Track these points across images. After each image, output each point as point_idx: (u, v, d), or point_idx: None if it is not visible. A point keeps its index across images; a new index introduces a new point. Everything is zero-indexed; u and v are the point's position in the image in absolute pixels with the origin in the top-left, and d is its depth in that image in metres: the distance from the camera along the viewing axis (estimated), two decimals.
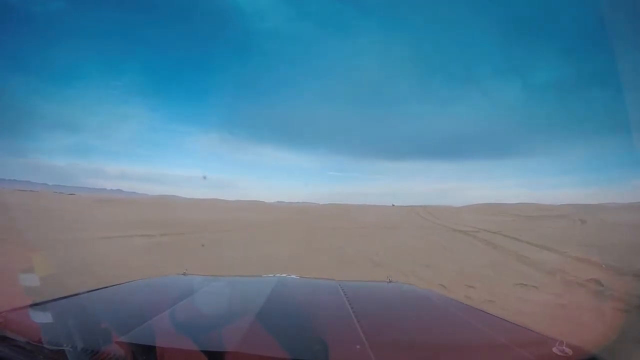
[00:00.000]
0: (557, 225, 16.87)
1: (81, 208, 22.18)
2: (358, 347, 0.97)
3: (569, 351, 0.94)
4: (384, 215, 27.91)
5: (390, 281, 2.17)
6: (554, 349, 0.95)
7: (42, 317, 0.99)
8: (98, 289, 1.58)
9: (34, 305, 1.12)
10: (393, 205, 51.09)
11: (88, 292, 1.52)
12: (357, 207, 42.04)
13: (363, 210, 35.42)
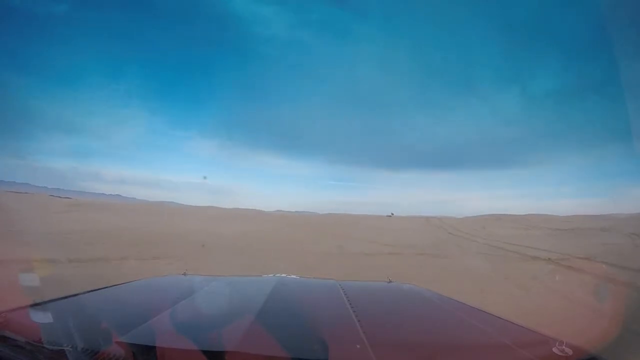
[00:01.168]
0: (621, 242, 13.89)
1: (35, 213, 18.49)
2: (358, 346, 0.97)
3: (569, 351, 0.94)
4: (403, 230, 22.26)
5: (390, 281, 2.16)
6: (554, 349, 0.95)
7: (42, 317, 0.99)
8: (98, 289, 1.58)
9: (34, 305, 1.12)
10: (392, 214, 45.44)
11: (88, 292, 1.52)
12: (360, 218, 36.33)
13: (369, 222, 29.72)
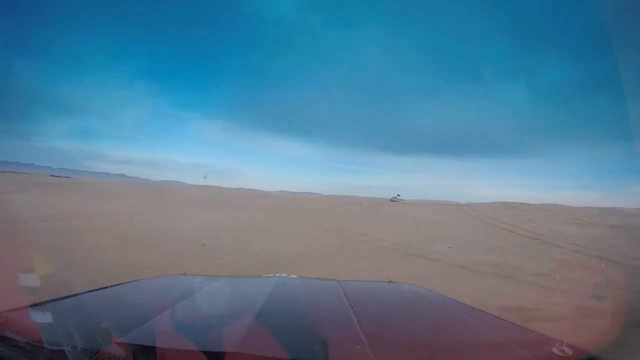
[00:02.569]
0: None
1: None
2: (358, 347, 0.97)
3: (569, 351, 0.93)
4: (444, 225, 16.57)
5: (390, 281, 2.17)
6: (554, 349, 0.95)
7: (42, 317, 0.99)
8: (98, 289, 1.58)
9: (34, 305, 1.12)
10: (398, 195, 37.89)
11: (88, 292, 1.52)
12: (367, 202, 30.68)
13: (381, 209, 24.01)
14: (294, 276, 2.21)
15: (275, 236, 10.71)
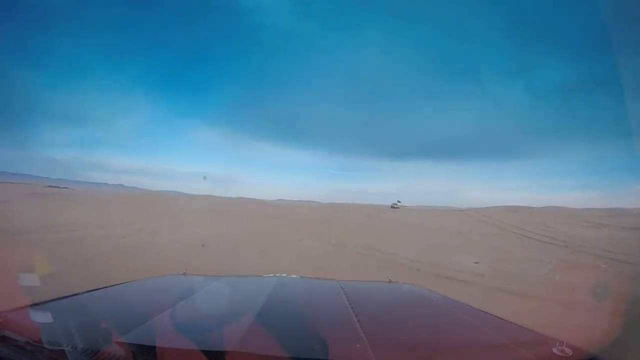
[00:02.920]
0: None
1: None
2: (358, 346, 0.97)
3: (569, 351, 0.94)
4: (457, 233, 14.51)
5: (390, 281, 2.17)
6: (554, 349, 0.95)
7: (42, 317, 0.98)
8: (98, 289, 1.57)
9: (34, 305, 1.12)
10: (399, 201, 35.03)
11: (88, 292, 1.51)
12: (371, 210, 26.64)
13: (385, 215, 21.57)
14: (294, 276, 2.21)
15: (269, 253, 9.05)
